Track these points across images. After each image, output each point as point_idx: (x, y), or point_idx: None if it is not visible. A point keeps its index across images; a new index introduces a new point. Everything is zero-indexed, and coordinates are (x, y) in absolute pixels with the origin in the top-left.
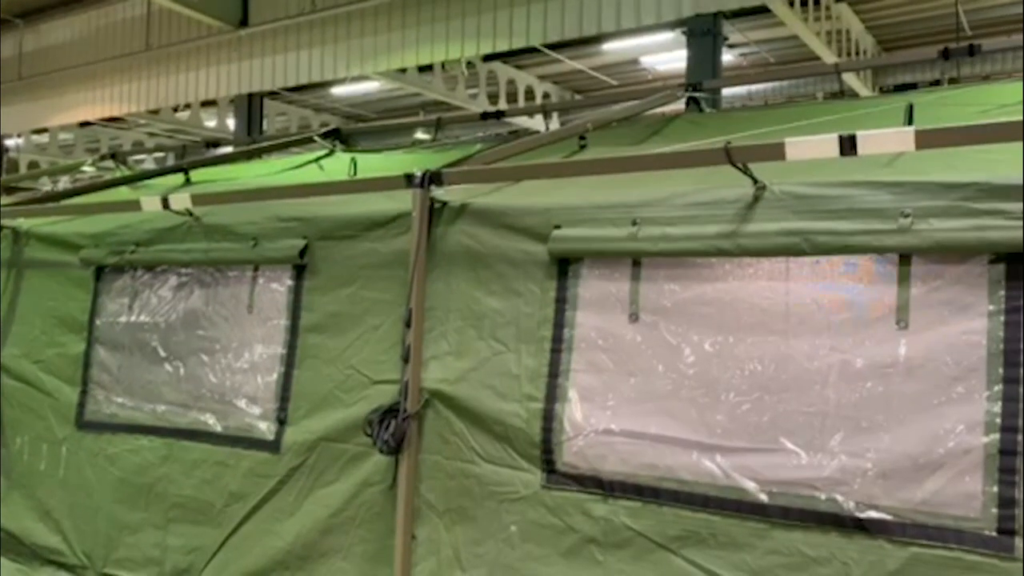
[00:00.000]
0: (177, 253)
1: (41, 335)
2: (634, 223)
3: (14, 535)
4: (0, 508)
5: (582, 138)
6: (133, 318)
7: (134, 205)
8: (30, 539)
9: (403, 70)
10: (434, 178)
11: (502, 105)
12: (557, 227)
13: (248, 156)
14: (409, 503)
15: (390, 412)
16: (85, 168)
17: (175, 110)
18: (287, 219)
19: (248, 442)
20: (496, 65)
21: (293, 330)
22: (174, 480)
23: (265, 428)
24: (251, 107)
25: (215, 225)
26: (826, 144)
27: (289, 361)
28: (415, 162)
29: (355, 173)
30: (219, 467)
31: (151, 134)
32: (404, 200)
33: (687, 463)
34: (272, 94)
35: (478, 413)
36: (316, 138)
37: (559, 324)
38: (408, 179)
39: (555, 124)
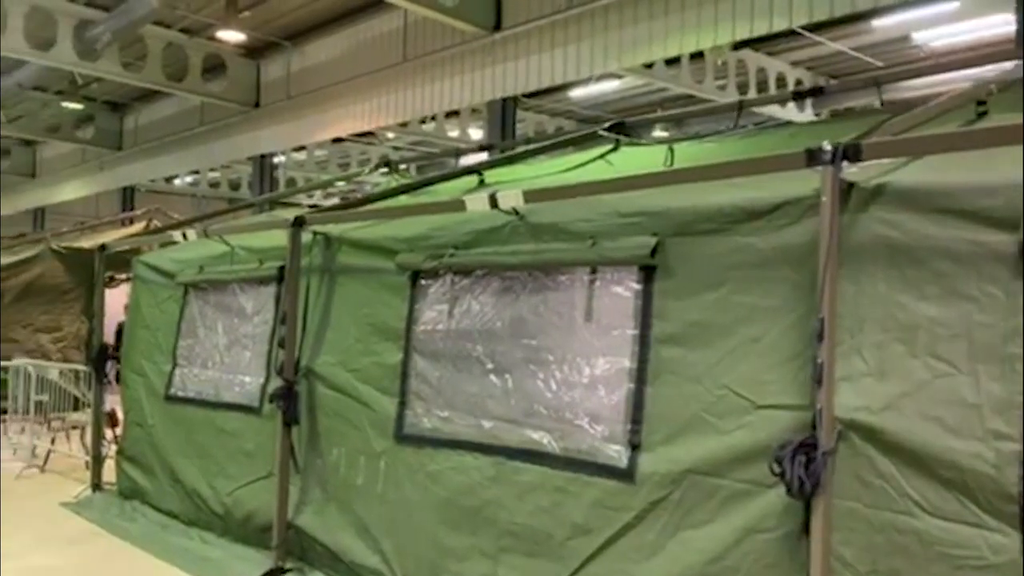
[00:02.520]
0: (501, 256)
1: (356, 343)
2: None
3: (330, 549)
4: (316, 519)
5: (981, 103)
6: (453, 326)
7: (457, 205)
8: (347, 556)
9: (650, 65)
10: (848, 153)
11: (752, 95)
12: None
13: (534, 155)
14: (826, 559)
15: (803, 446)
16: (348, 179)
17: (421, 122)
18: (631, 214)
19: (593, 467)
20: (745, 53)
21: (643, 341)
22: (505, 505)
23: (615, 453)
24: (504, 112)
25: (544, 224)
26: None
27: (640, 376)
28: (727, 150)
29: (672, 163)
30: (559, 494)
31: (395, 148)
32: (776, 186)
33: None
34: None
35: (916, 452)
36: (600, 132)
37: None
38: (811, 155)
39: (808, 112)
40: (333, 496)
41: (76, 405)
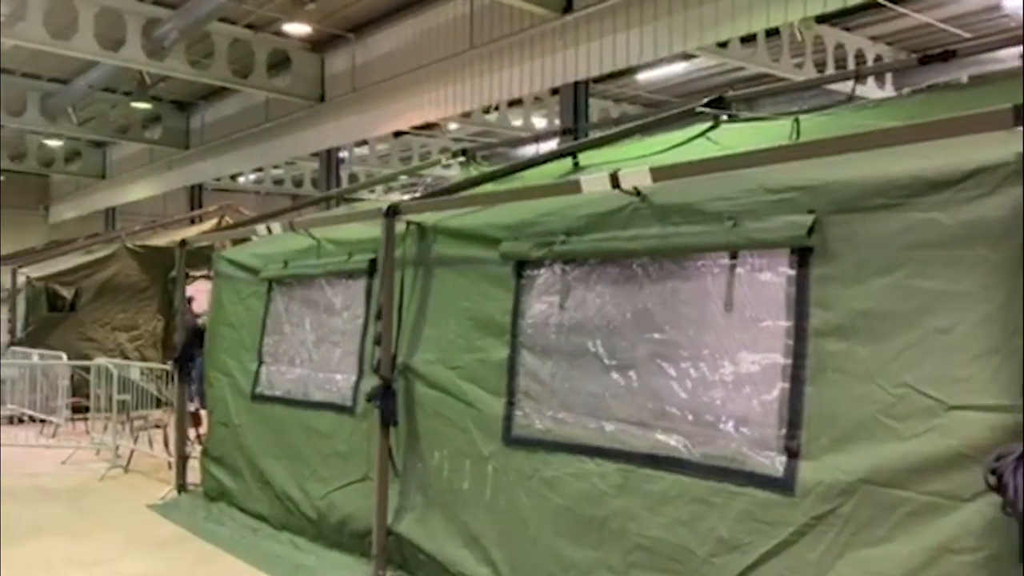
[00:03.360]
0: (621, 241)
1: (456, 339)
2: None
3: (435, 559)
4: (418, 527)
5: None
6: (566, 319)
7: (571, 186)
8: (455, 567)
9: (724, 44)
10: None
11: (830, 71)
12: None
13: (631, 134)
14: None
15: None
16: (421, 169)
17: (485, 112)
18: (781, 189)
19: (741, 476)
20: (823, 29)
21: (799, 333)
22: (635, 516)
23: (767, 460)
24: (577, 97)
25: (672, 205)
26: None
27: (796, 374)
28: (849, 123)
29: (798, 136)
30: (699, 505)
31: (456, 139)
32: (959, 152)
33: None
34: None
35: None
36: (699, 108)
37: None
38: (1020, 112)
39: (889, 90)
40: (436, 502)
41: (158, 403)
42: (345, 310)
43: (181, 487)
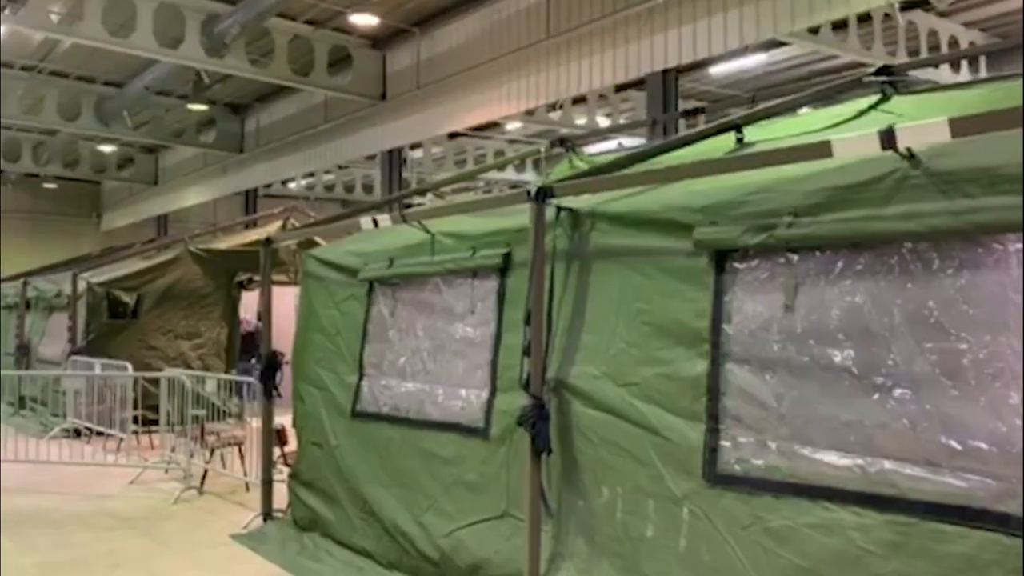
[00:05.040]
0: (884, 221)
1: (628, 348)
2: None
3: None
4: None
5: None
6: (797, 323)
7: (816, 150)
8: None
9: (815, 30)
10: None
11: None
12: None
13: (796, 107)
14: None
15: None
16: (502, 166)
17: (550, 109)
18: None
19: None
20: (916, 15)
21: None
22: None
23: None
24: (666, 86)
25: (963, 171)
26: None
27: None
28: None
29: None
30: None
31: (511, 141)
32: None
33: None
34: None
35: None
36: (865, 79)
37: None
38: None
39: (983, 74)
40: (606, 550)
41: (239, 416)
42: (469, 314)
43: (267, 514)
